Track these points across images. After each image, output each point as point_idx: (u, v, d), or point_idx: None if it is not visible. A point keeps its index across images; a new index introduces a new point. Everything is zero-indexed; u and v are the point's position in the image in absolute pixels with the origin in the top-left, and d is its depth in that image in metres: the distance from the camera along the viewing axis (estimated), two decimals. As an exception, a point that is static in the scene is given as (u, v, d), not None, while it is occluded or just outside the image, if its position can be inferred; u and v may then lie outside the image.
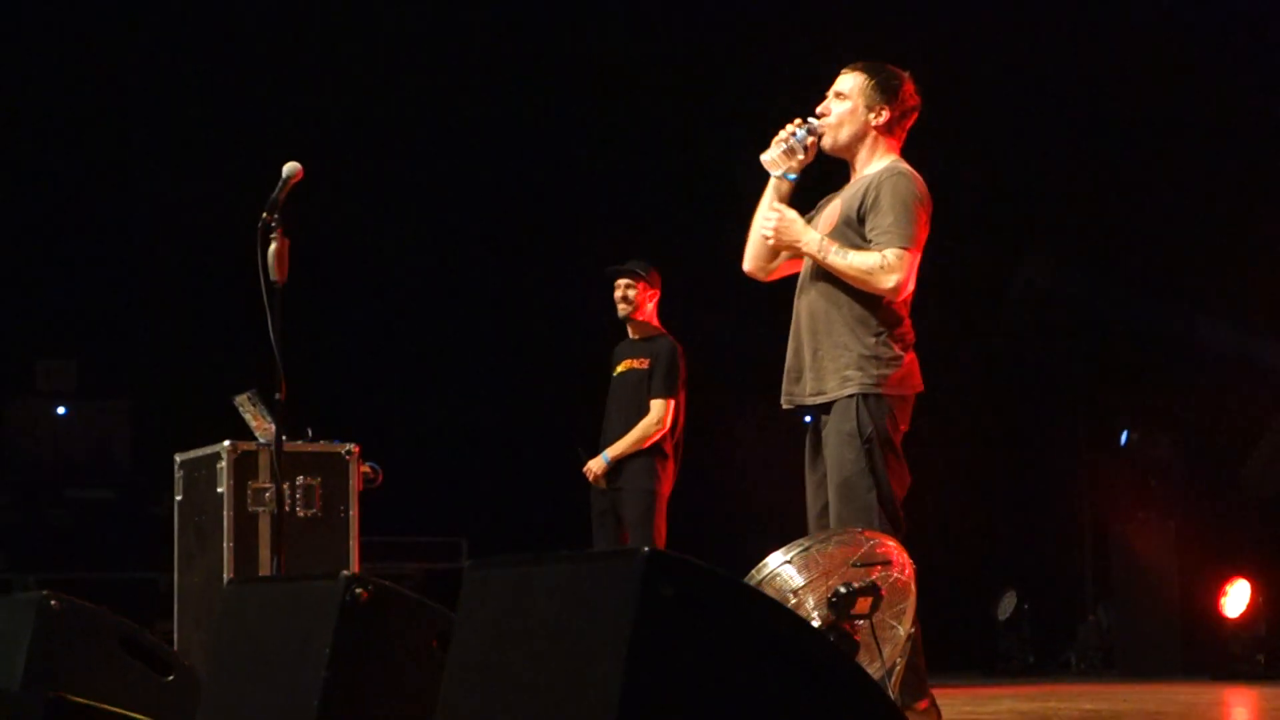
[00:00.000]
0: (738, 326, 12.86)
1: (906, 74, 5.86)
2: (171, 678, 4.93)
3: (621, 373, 8.93)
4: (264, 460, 7.75)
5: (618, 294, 8.92)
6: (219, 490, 7.78)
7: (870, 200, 5.62)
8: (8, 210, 13.37)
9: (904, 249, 5.53)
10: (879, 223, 5.57)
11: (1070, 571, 14.09)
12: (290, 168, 5.70)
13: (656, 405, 8.73)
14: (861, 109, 5.79)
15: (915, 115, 5.86)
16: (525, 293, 12.98)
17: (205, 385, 10.48)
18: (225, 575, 7.63)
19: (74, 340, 13.82)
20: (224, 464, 7.76)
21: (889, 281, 5.51)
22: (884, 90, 5.80)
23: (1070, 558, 14.14)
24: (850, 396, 5.59)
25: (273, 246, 5.65)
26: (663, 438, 8.72)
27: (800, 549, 6.75)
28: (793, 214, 5.73)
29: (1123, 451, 13.29)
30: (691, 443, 9.00)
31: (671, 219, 13.13)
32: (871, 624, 6.54)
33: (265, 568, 7.61)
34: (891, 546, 6.55)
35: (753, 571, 6.89)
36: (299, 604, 3.69)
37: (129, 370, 13.69)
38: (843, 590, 6.58)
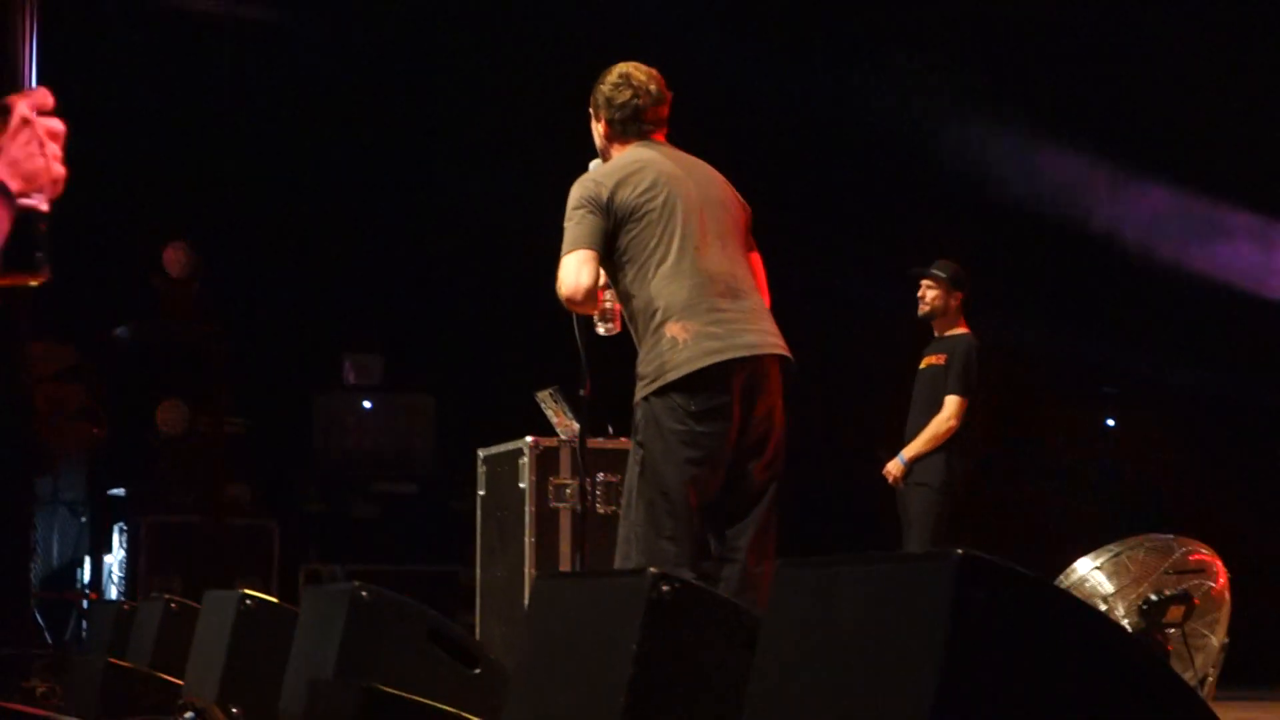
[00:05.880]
0: (1039, 332, 12.67)
1: (615, 67, 5.74)
2: (478, 670, 4.99)
3: (922, 369, 9.01)
4: (565, 456, 7.84)
5: (918, 294, 9.03)
6: (521, 485, 7.89)
7: None
8: (318, 209, 13.70)
9: (562, 256, 5.43)
10: None
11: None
12: (596, 164, 5.75)
13: (949, 402, 8.77)
14: (594, 128, 5.79)
15: (634, 97, 5.68)
16: (828, 287, 12.90)
17: (505, 381, 10.63)
18: (527, 570, 7.73)
19: (380, 335, 14.11)
20: (526, 459, 7.87)
21: (560, 291, 5.42)
22: (592, 104, 5.76)
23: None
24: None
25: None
26: (956, 435, 8.74)
27: (1110, 555, 6.64)
28: None
29: None
30: (993, 447, 8.92)
31: (976, 223, 12.96)
32: (1183, 632, 6.40)
33: (565, 563, 7.69)
34: (1205, 554, 6.39)
35: (1060, 576, 6.80)
36: (606, 600, 3.70)
37: (433, 365, 13.94)
38: (1154, 598, 6.45)
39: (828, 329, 12.96)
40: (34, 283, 2.65)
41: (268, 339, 13.46)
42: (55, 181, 2.59)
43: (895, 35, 13.35)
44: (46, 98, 2.60)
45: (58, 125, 2.60)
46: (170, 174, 12.89)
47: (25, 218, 2.57)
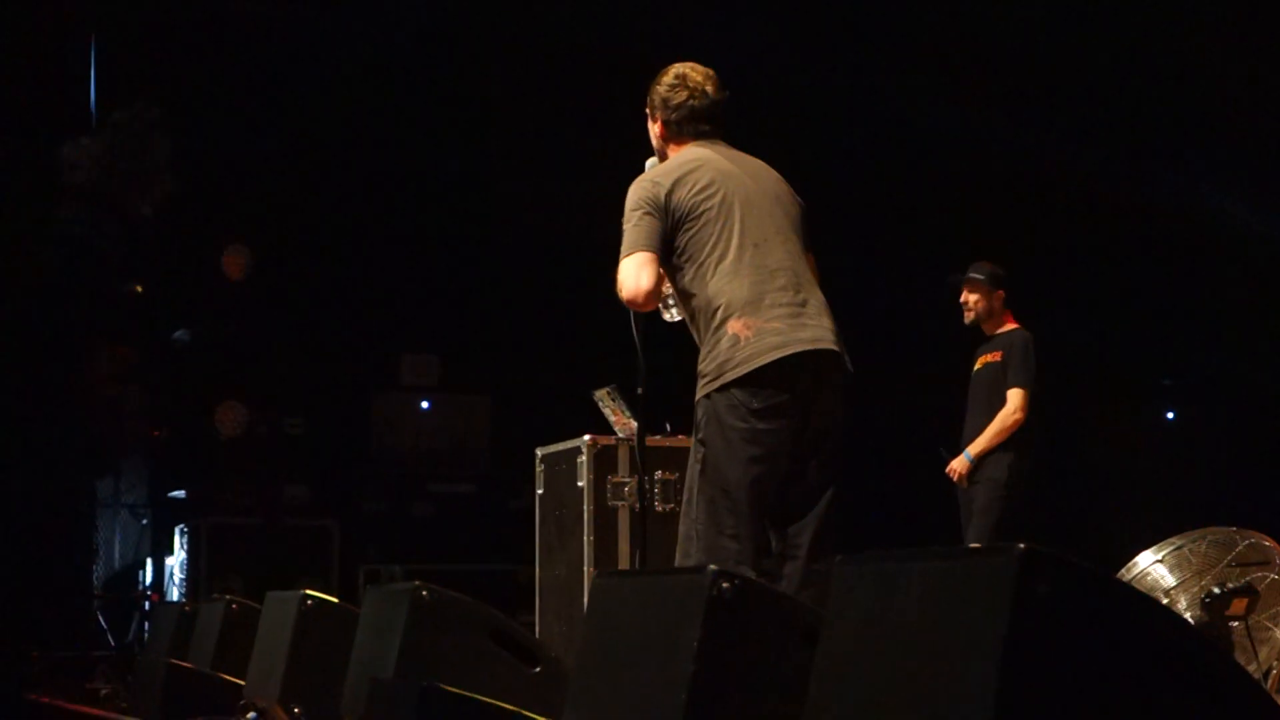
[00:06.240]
0: (1097, 325, 12.61)
1: (671, 67, 5.73)
2: (538, 669, 5.00)
3: (978, 369, 9.01)
4: (623, 454, 7.84)
5: (960, 300, 9.05)
6: (579, 484, 7.89)
7: None
8: (375, 211, 13.76)
9: (622, 258, 5.40)
10: None
11: None
12: (652, 164, 5.75)
13: (1013, 395, 8.76)
14: (651, 128, 5.76)
15: (690, 98, 5.67)
16: (881, 291, 12.89)
17: (562, 380, 10.64)
18: (585, 568, 7.74)
19: (437, 335, 14.15)
20: (584, 458, 7.87)
21: (621, 294, 5.40)
22: (649, 104, 5.75)
23: None
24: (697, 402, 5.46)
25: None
26: (1020, 429, 8.73)
27: (1172, 548, 6.61)
28: None
29: None
30: (1052, 440, 8.91)
31: (1020, 221, 12.93)
32: (1247, 625, 6.37)
33: (624, 561, 7.69)
34: (1269, 547, 6.35)
35: (1123, 570, 6.77)
36: (666, 598, 3.70)
37: (490, 365, 13.97)
38: (1217, 591, 6.43)
39: (884, 327, 12.96)
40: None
41: (326, 340, 13.53)
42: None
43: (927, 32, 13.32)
44: None
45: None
46: (228, 177, 12.95)
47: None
